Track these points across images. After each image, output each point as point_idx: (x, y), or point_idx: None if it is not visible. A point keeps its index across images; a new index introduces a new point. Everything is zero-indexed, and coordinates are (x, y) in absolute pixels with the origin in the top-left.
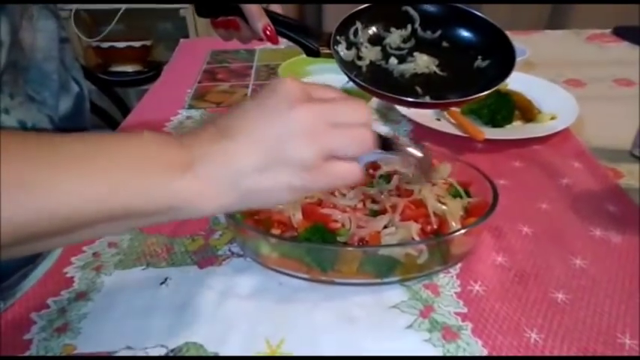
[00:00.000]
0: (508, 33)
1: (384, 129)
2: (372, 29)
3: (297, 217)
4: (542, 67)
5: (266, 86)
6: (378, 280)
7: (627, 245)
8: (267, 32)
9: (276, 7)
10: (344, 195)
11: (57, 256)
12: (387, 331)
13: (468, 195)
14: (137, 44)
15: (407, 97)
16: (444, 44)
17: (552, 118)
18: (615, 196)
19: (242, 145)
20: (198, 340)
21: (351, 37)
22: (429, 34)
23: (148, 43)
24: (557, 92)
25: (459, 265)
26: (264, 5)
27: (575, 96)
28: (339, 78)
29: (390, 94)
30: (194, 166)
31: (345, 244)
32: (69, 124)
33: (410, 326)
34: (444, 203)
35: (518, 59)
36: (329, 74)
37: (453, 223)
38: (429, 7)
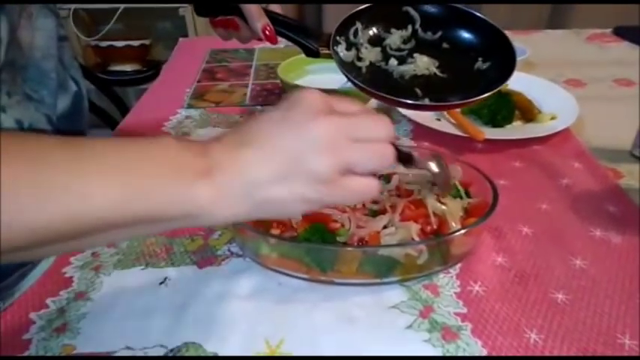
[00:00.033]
0: (508, 33)
1: (404, 144)
2: (373, 30)
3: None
4: (542, 67)
5: (290, 96)
6: (378, 281)
7: (627, 245)
8: (267, 32)
9: (275, 7)
10: None
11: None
12: (386, 331)
13: (468, 195)
14: (136, 43)
15: (406, 99)
16: (445, 45)
17: (552, 118)
18: (615, 197)
19: (260, 155)
20: (197, 340)
21: (351, 37)
22: (429, 35)
23: (146, 42)
24: (557, 92)
25: (459, 265)
26: (264, 5)
27: (575, 96)
28: (338, 78)
29: (390, 97)
30: (212, 173)
31: (345, 244)
32: (67, 124)
33: (410, 326)
34: (443, 203)
35: (519, 59)
36: (328, 74)
37: (453, 224)
38: (430, 8)
